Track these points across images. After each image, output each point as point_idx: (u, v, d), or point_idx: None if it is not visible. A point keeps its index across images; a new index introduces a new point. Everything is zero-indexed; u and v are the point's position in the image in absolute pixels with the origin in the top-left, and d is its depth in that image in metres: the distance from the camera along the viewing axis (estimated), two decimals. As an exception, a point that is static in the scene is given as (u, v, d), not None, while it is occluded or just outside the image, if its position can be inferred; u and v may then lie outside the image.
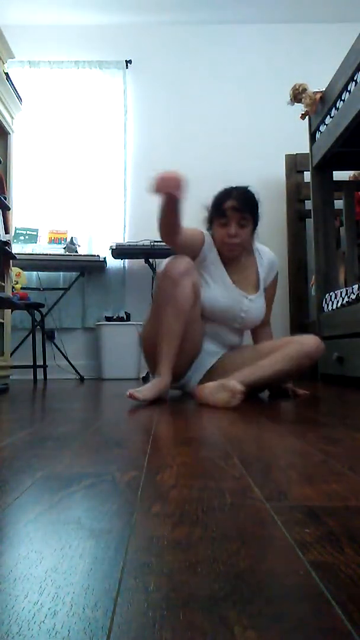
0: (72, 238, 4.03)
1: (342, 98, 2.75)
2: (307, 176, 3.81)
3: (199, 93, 4.44)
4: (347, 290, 2.77)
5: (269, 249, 2.26)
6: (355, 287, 2.63)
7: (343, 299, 2.80)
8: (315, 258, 3.25)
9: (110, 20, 4.38)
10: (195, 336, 2.02)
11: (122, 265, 4.21)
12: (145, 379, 3.58)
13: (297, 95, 3.14)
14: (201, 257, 2.08)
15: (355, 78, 2.56)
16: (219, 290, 2.07)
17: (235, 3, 4.23)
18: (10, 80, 2.99)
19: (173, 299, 1.85)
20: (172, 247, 2.01)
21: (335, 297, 2.93)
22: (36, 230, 4.08)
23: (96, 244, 4.23)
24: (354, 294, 2.64)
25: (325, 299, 3.10)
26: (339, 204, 3.44)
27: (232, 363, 2.04)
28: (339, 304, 2.87)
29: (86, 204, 4.26)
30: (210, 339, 2.14)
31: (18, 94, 3.09)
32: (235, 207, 1.98)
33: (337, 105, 2.82)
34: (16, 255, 3.11)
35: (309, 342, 1.97)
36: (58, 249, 4.00)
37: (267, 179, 4.34)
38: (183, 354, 1.97)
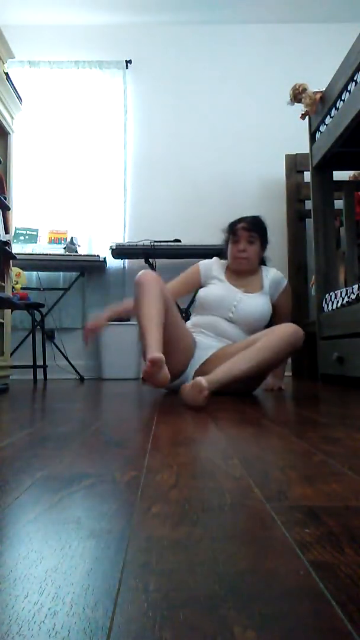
0: (72, 238, 4.03)
1: (342, 98, 2.74)
2: (307, 176, 3.81)
3: (199, 93, 4.44)
4: (347, 290, 2.77)
5: (276, 270, 2.52)
6: (355, 287, 2.63)
7: (343, 299, 2.80)
8: (315, 258, 3.25)
9: (110, 20, 4.38)
10: (183, 338, 2.21)
11: (122, 265, 4.21)
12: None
13: (297, 95, 3.14)
14: (202, 280, 2.48)
15: (355, 78, 2.56)
16: (215, 286, 2.39)
17: (235, 3, 4.23)
18: (10, 80, 2.99)
19: (144, 292, 2.02)
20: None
21: (335, 297, 2.93)
22: (36, 230, 4.08)
23: (96, 244, 4.23)
24: (354, 294, 2.64)
25: (325, 299, 3.09)
26: (339, 204, 3.44)
27: (223, 357, 2.11)
28: (339, 304, 2.87)
29: (86, 204, 4.26)
30: (206, 331, 2.32)
31: (18, 94, 3.09)
32: (245, 227, 2.41)
33: (337, 105, 2.82)
34: (16, 255, 3.11)
35: (286, 330, 2.03)
36: (58, 249, 4.00)
37: (267, 179, 4.34)
38: (177, 353, 2.13)
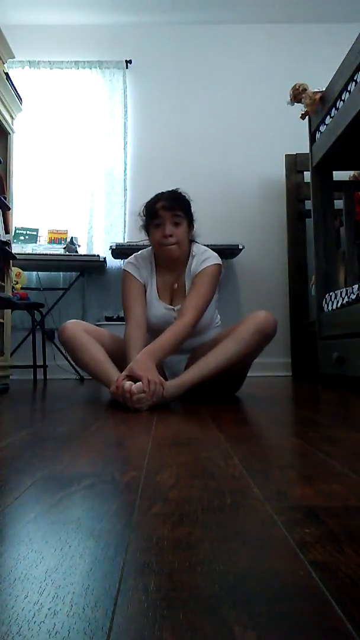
0: (72, 238, 4.03)
1: (342, 98, 2.74)
2: (307, 176, 3.80)
3: (199, 93, 4.44)
4: (347, 290, 2.77)
5: (206, 249, 2.13)
6: (355, 287, 2.63)
7: (343, 299, 2.80)
8: (315, 258, 3.25)
9: (110, 20, 4.38)
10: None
11: (122, 265, 4.20)
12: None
13: (297, 95, 3.14)
14: (142, 283, 2.10)
15: (355, 78, 2.56)
16: (151, 307, 2.06)
17: (235, 3, 4.23)
18: (10, 80, 2.99)
19: (73, 344, 1.96)
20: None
21: (335, 297, 2.93)
22: (36, 230, 4.08)
23: (96, 244, 4.22)
24: (354, 294, 2.64)
25: (325, 299, 3.09)
26: (339, 204, 3.44)
27: (197, 359, 1.96)
28: (339, 304, 2.87)
29: (86, 204, 4.26)
30: None
31: (18, 94, 3.09)
32: (166, 206, 1.99)
33: (337, 105, 2.82)
34: (16, 255, 3.11)
35: (257, 318, 1.91)
36: (58, 249, 4.00)
37: (267, 179, 4.34)
38: None
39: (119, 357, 1.93)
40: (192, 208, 2.10)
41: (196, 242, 2.17)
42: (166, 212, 1.99)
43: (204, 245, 2.20)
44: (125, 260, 2.17)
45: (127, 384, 1.66)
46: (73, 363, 2.10)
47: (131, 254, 3.99)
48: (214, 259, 2.07)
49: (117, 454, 1.00)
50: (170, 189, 2.09)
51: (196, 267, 2.05)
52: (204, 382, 1.86)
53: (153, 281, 2.10)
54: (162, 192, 2.07)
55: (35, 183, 4.24)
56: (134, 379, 1.70)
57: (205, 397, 1.91)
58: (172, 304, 2.07)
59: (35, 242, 4.03)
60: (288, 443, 1.08)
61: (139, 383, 1.67)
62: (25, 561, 0.47)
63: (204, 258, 2.07)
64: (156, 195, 2.06)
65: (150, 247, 2.16)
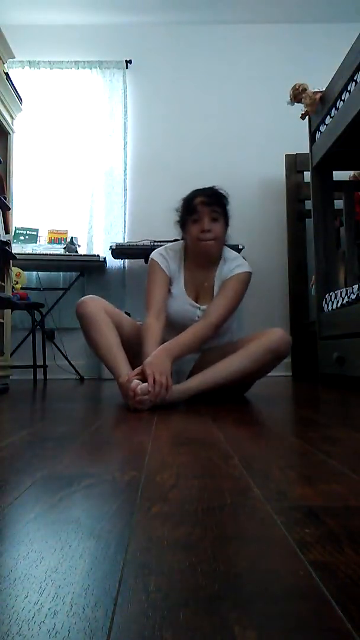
0: (72, 238, 4.03)
1: (342, 98, 2.74)
2: (307, 176, 3.80)
3: (199, 93, 4.44)
4: (347, 290, 2.77)
5: (238, 255, 2.13)
6: (355, 287, 2.63)
7: (343, 299, 2.80)
8: (315, 258, 3.24)
9: (110, 20, 4.38)
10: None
11: (122, 265, 4.21)
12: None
13: (297, 95, 3.14)
14: (169, 275, 2.08)
15: (355, 78, 2.56)
16: (174, 301, 2.04)
17: (236, 3, 4.23)
18: (10, 80, 2.99)
19: (91, 322, 1.94)
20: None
21: (335, 297, 2.93)
22: (36, 230, 4.08)
23: (96, 244, 4.22)
24: (354, 294, 2.64)
25: (325, 299, 3.09)
26: (339, 204, 3.44)
27: (205, 364, 1.95)
28: (339, 304, 2.87)
29: (86, 204, 4.26)
30: None
31: (18, 94, 3.09)
32: (205, 201, 1.98)
33: (337, 105, 2.82)
34: (16, 255, 3.11)
35: (272, 337, 1.89)
36: (58, 249, 4.00)
37: (267, 179, 4.34)
38: None
39: (134, 346, 1.92)
40: (229, 206, 2.07)
41: (227, 246, 2.15)
42: (205, 207, 1.97)
43: (238, 254, 2.17)
44: (155, 250, 2.13)
45: (135, 382, 1.66)
46: (85, 340, 2.03)
47: (131, 254, 4.02)
48: (247, 266, 2.08)
49: (117, 454, 1.00)
50: (209, 186, 2.07)
51: (227, 271, 2.05)
52: (209, 391, 1.86)
53: (181, 275, 2.08)
54: (201, 188, 2.05)
55: (35, 183, 4.24)
56: (144, 377, 1.69)
57: (207, 397, 1.91)
58: (197, 303, 2.06)
59: (35, 242, 4.03)
60: (288, 443, 1.08)
61: (145, 384, 1.66)
62: (25, 561, 0.47)
63: (236, 264, 2.06)
64: (195, 191, 2.04)
65: (181, 242, 2.14)
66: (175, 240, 2.23)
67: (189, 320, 1.97)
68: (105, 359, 1.91)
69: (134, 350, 1.90)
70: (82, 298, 2.01)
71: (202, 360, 2.02)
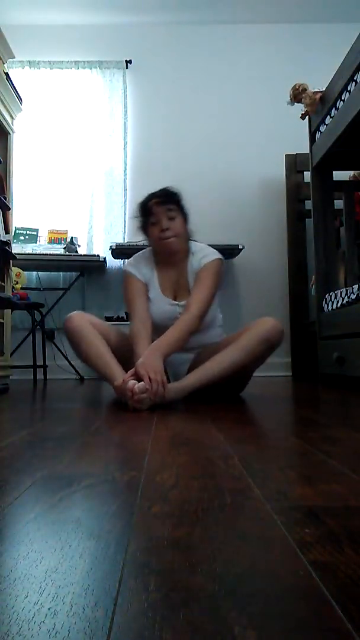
0: (72, 238, 4.03)
1: (342, 98, 2.74)
2: (307, 176, 3.80)
3: (199, 93, 4.43)
4: (347, 290, 2.77)
5: (205, 246, 2.18)
6: (355, 287, 2.63)
7: (343, 299, 2.80)
8: (315, 258, 3.24)
9: (110, 20, 4.38)
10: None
11: (122, 265, 4.21)
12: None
13: (297, 95, 3.14)
14: (144, 282, 2.11)
15: (355, 78, 2.56)
16: (154, 304, 2.07)
17: (235, 3, 4.23)
18: (10, 80, 2.99)
19: (78, 336, 1.95)
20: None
21: (335, 297, 2.93)
22: (36, 230, 4.08)
23: (96, 244, 4.22)
24: (354, 294, 2.64)
25: (325, 299, 3.09)
26: (339, 204, 3.44)
27: (201, 363, 1.96)
28: (339, 304, 2.87)
29: (86, 204, 4.26)
30: None
31: (18, 94, 3.09)
32: (159, 202, 2.05)
33: (337, 105, 2.82)
34: (16, 255, 3.11)
35: (263, 326, 1.91)
36: (58, 249, 4.00)
37: (267, 179, 4.34)
38: None
39: (124, 353, 1.94)
40: (184, 202, 2.12)
41: (194, 240, 2.19)
42: (160, 207, 2.04)
43: (204, 244, 2.20)
44: (125, 263, 2.18)
45: (131, 382, 1.67)
46: (75, 354, 2.06)
47: (131, 254, 3.98)
48: (215, 254, 2.12)
49: (117, 454, 1.00)
50: (161, 188, 2.13)
51: (197, 263, 2.09)
52: (206, 387, 1.86)
53: (155, 278, 2.12)
54: (154, 191, 2.12)
55: (35, 183, 4.23)
56: (139, 378, 1.70)
57: (206, 397, 1.91)
58: (175, 300, 2.08)
59: (35, 242, 4.03)
60: (288, 443, 1.08)
61: (141, 383, 1.67)
62: (25, 561, 0.47)
63: (203, 254, 2.11)
64: (149, 194, 2.11)
65: (150, 248, 2.19)
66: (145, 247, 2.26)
67: (171, 319, 1.99)
68: (98, 367, 1.93)
69: (124, 357, 1.91)
70: (68, 314, 2.04)
71: (197, 360, 2.03)
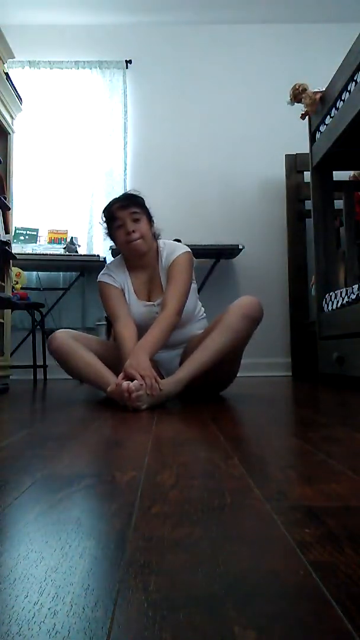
0: (72, 238, 4.03)
1: (342, 98, 2.74)
2: (307, 176, 3.81)
3: (199, 93, 4.44)
4: (347, 290, 2.77)
5: (173, 242, 2.21)
6: (355, 287, 2.63)
7: (343, 299, 2.80)
8: (315, 258, 3.25)
9: (110, 20, 4.38)
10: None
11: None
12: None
13: (297, 95, 3.14)
14: (120, 287, 2.13)
15: (355, 78, 2.56)
16: (131, 309, 2.09)
17: (236, 3, 4.23)
18: (10, 80, 2.99)
19: (63, 353, 1.99)
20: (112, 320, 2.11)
21: (335, 297, 2.93)
22: (36, 230, 4.08)
23: (96, 244, 4.22)
24: (354, 294, 2.64)
25: (325, 299, 3.09)
26: (339, 204, 3.44)
27: (190, 354, 1.97)
28: (339, 304, 2.87)
29: (86, 204, 4.26)
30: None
31: (18, 94, 3.09)
32: (121, 205, 2.08)
33: (337, 105, 2.82)
34: (16, 255, 3.11)
35: (241, 304, 1.93)
36: (58, 249, 4.00)
37: (267, 179, 4.34)
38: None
39: (109, 360, 1.97)
40: (146, 204, 2.15)
41: (160, 238, 2.21)
42: (123, 211, 2.06)
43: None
44: (99, 274, 2.21)
45: (125, 383, 1.68)
46: (66, 372, 2.09)
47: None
48: (182, 248, 2.14)
49: (117, 454, 1.00)
50: (122, 193, 2.19)
51: (167, 260, 2.11)
52: (201, 375, 1.87)
53: (128, 283, 2.14)
54: (116, 197, 2.18)
55: (35, 183, 4.24)
56: (130, 378, 1.71)
57: (206, 397, 1.91)
58: (150, 301, 2.10)
59: (35, 242, 4.03)
60: (288, 443, 1.08)
61: (135, 381, 1.68)
62: (25, 561, 0.47)
63: (171, 250, 2.13)
64: (111, 201, 2.16)
65: (120, 255, 2.23)
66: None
67: (150, 319, 2.00)
68: (90, 377, 1.95)
69: (111, 366, 1.93)
70: (50, 335, 2.09)
71: (186, 354, 2.04)
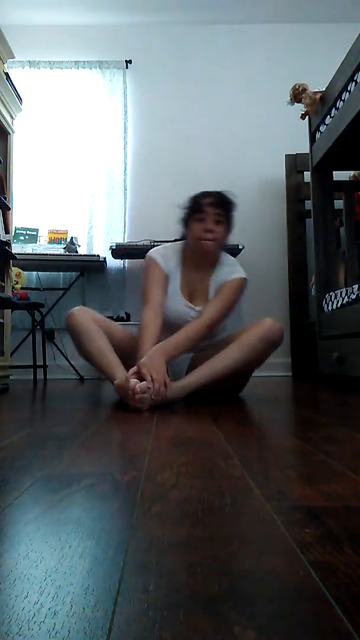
0: (72, 238, 4.03)
1: (342, 98, 2.74)
2: (307, 176, 3.81)
3: (199, 93, 4.44)
4: (347, 290, 2.77)
5: (235, 262, 2.15)
6: (355, 287, 2.63)
7: (343, 299, 2.80)
8: (315, 258, 3.25)
9: (110, 20, 4.38)
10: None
11: (122, 265, 4.21)
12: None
13: (297, 95, 3.14)
14: (166, 273, 2.07)
15: (355, 78, 2.56)
16: (169, 300, 2.05)
17: (236, 3, 4.23)
18: (10, 80, 2.98)
19: (80, 331, 1.94)
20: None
21: (335, 297, 2.93)
22: (36, 230, 4.08)
23: (96, 244, 4.22)
24: (354, 294, 2.64)
25: (325, 299, 3.09)
26: (339, 204, 3.44)
27: (201, 362, 1.95)
28: (339, 304, 2.87)
29: (86, 204, 4.26)
30: None
31: (18, 94, 3.08)
32: (213, 202, 2.01)
33: (337, 105, 2.82)
34: (16, 255, 3.11)
35: (264, 325, 1.91)
36: (58, 249, 4.00)
37: (267, 179, 4.34)
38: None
39: (127, 352, 1.93)
40: (234, 213, 2.08)
41: (226, 252, 2.17)
42: (211, 208, 2.00)
43: (235, 259, 2.18)
44: (153, 249, 2.14)
45: (133, 381, 1.66)
46: (76, 350, 2.05)
47: (131, 254, 4.02)
48: (242, 272, 2.10)
49: (117, 454, 1.00)
50: (217, 190, 2.08)
51: (223, 276, 2.07)
52: (207, 386, 1.86)
53: (177, 275, 2.09)
54: (211, 191, 2.07)
55: (35, 183, 4.24)
56: (141, 377, 1.70)
57: (206, 397, 1.91)
58: (192, 303, 2.07)
59: (35, 242, 4.03)
60: (288, 443, 1.08)
61: (143, 382, 1.66)
62: (25, 561, 0.47)
63: (233, 269, 2.09)
64: (204, 191, 2.07)
65: (180, 242, 2.16)
66: (176, 240, 2.23)
67: (183, 320, 1.99)
68: (99, 364, 1.93)
69: (126, 357, 1.91)
70: (70, 310, 2.02)
71: (196, 359, 2.02)
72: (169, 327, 1.94)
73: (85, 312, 2.01)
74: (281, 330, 1.94)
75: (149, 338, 1.86)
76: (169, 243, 2.18)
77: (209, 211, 2.00)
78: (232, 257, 2.18)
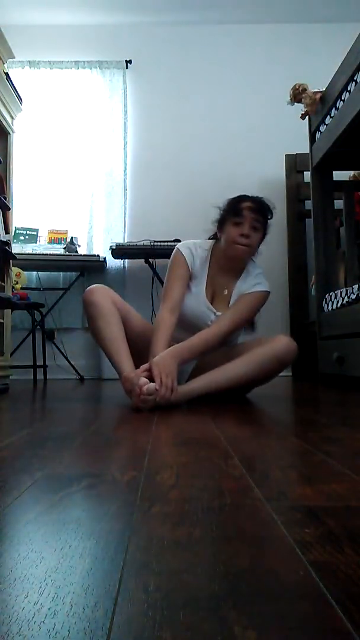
0: (72, 238, 4.03)
1: (342, 98, 2.74)
2: (307, 176, 3.81)
3: (199, 93, 4.44)
4: (347, 290, 2.77)
5: (261, 272, 2.12)
6: (355, 287, 2.63)
7: (343, 299, 2.80)
8: (315, 258, 3.25)
9: (110, 20, 4.38)
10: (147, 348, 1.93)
11: (122, 265, 4.21)
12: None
13: (297, 95, 3.14)
14: (192, 272, 2.06)
15: (355, 78, 2.56)
16: (192, 299, 2.03)
17: (236, 3, 4.23)
18: (10, 80, 2.98)
19: (98, 312, 1.91)
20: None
21: (335, 297, 2.93)
22: (36, 230, 4.08)
23: (96, 244, 4.23)
24: (354, 294, 2.64)
25: (325, 299, 3.09)
26: (339, 204, 3.44)
27: (207, 365, 1.94)
28: (339, 304, 2.87)
29: (86, 204, 4.26)
30: None
31: (18, 94, 3.08)
32: (252, 207, 1.99)
33: (337, 105, 2.82)
34: (16, 255, 3.11)
35: (278, 344, 1.87)
36: (58, 249, 4.00)
37: (267, 179, 4.34)
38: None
39: (140, 343, 1.92)
40: (270, 222, 2.08)
41: (254, 260, 2.15)
42: (251, 213, 1.98)
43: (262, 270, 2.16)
44: (182, 242, 2.11)
45: (143, 380, 1.66)
46: (89, 328, 2.02)
47: (131, 254, 4.02)
48: (266, 286, 2.08)
49: (117, 454, 1.00)
50: (257, 195, 2.07)
51: (248, 285, 2.05)
52: (209, 394, 1.85)
53: (204, 275, 2.07)
54: (250, 196, 2.06)
55: (35, 183, 4.24)
56: (151, 376, 1.69)
57: (207, 397, 1.91)
58: (213, 306, 2.05)
59: (35, 242, 4.03)
60: (288, 443, 1.08)
61: (152, 384, 1.66)
62: (25, 561, 0.47)
63: (258, 281, 2.06)
64: (244, 195, 2.06)
65: (210, 242, 2.13)
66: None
67: (201, 321, 1.98)
68: (109, 350, 1.89)
69: (139, 347, 1.90)
70: (91, 286, 1.99)
71: (203, 362, 2.01)
72: (186, 325, 1.93)
73: (106, 291, 1.97)
74: (295, 352, 1.90)
75: (162, 336, 1.85)
76: (200, 240, 2.15)
77: (247, 216, 1.97)
78: (260, 267, 2.15)
